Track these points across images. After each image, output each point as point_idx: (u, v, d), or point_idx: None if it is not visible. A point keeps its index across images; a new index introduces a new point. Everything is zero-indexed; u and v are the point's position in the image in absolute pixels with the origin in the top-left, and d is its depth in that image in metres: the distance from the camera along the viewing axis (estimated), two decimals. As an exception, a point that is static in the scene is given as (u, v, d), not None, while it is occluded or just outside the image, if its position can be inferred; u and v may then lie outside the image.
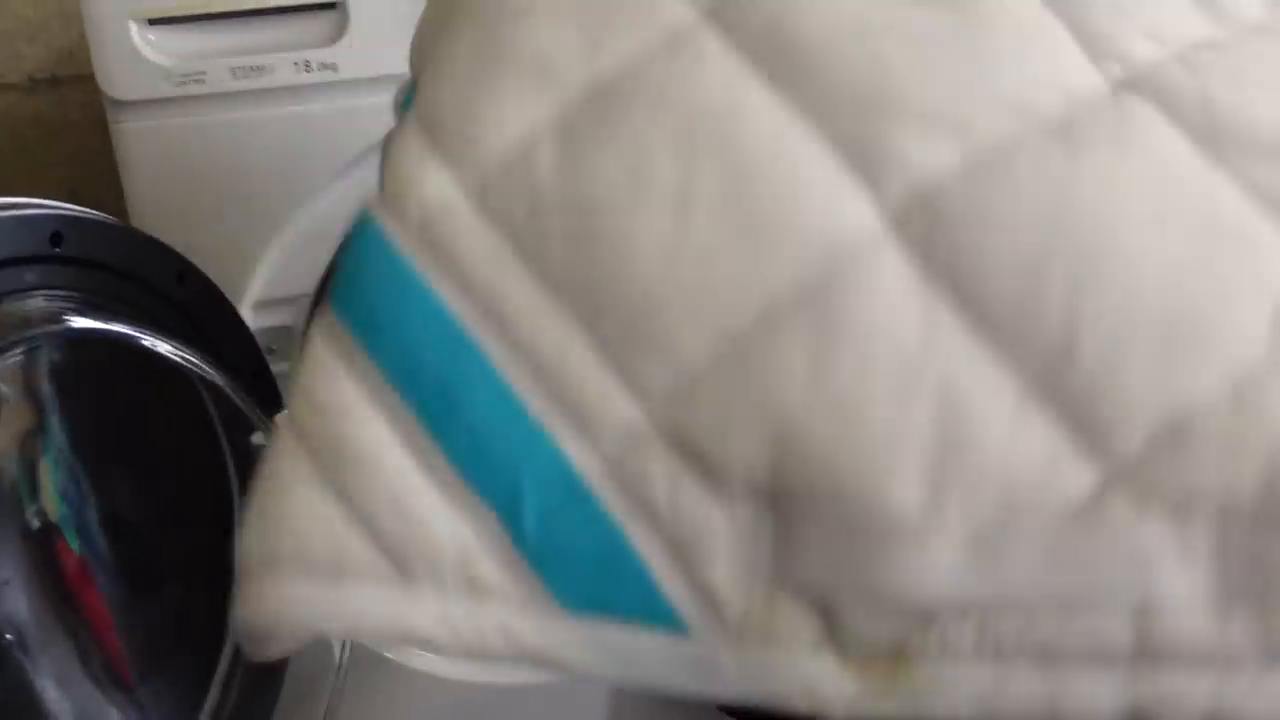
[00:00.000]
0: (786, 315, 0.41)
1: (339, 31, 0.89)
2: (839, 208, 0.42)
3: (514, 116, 0.45)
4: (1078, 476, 0.39)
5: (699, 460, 0.39)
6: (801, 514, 0.39)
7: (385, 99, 0.95)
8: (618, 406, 0.40)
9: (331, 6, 0.88)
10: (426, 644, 0.40)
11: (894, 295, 0.41)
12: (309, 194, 0.93)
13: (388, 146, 0.52)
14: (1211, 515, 0.38)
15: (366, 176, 0.93)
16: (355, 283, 0.45)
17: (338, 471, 0.41)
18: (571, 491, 0.39)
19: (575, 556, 0.39)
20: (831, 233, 0.42)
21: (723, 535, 0.39)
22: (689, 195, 0.42)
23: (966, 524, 0.39)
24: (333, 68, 0.89)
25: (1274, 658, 0.37)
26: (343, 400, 0.42)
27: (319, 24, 0.89)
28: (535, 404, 0.41)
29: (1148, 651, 0.38)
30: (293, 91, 0.89)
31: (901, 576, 0.38)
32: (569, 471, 0.40)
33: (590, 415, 0.40)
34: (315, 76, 0.89)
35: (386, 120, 0.93)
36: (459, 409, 0.41)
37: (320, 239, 0.94)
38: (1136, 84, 0.44)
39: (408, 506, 0.40)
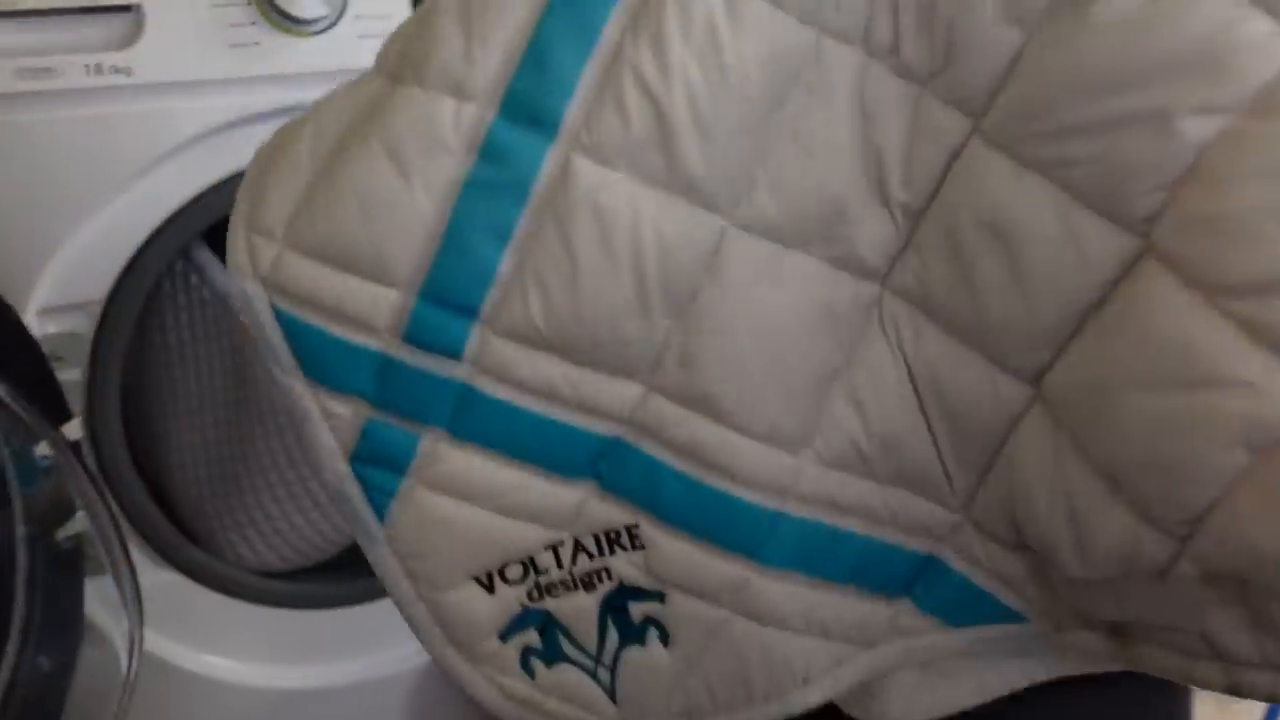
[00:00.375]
0: None
1: (134, 35, 0.88)
2: None
3: None
4: None
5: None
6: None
7: (182, 104, 0.95)
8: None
9: (126, 9, 0.87)
10: None
11: None
12: (100, 200, 0.92)
13: None
14: None
15: (160, 183, 0.93)
16: None
17: None
18: (945, 572, 0.58)
19: (959, 604, 0.58)
20: None
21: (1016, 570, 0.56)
22: None
23: None
24: (126, 71, 0.88)
25: None
26: None
27: (113, 26, 0.88)
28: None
29: None
30: (83, 95, 0.88)
31: None
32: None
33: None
34: (107, 80, 0.88)
35: (183, 126, 0.93)
36: None
37: (111, 245, 0.93)
38: None
39: None
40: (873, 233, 0.52)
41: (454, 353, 0.52)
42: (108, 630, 0.96)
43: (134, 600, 0.93)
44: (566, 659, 0.58)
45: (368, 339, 0.52)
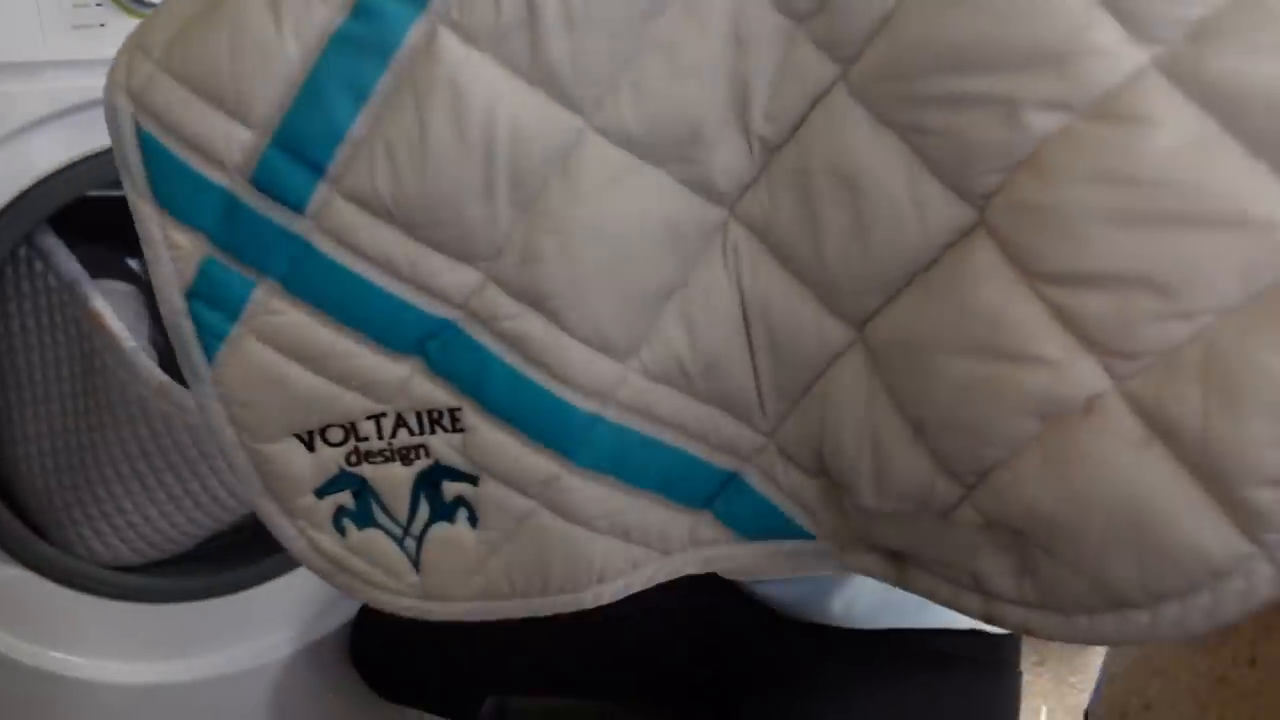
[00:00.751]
0: None
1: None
2: None
3: None
4: None
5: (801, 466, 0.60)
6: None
7: (23, 86, 0.92)
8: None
9: (-44, -13, 0.84)
10: None
11: None
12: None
13: None
14: None
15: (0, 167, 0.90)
16: None
17: None
18: (746, 490, 0.62)
19: (754, 520, 0.62)
20: None
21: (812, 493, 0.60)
22: None
23: None
24: (-42, 52, 0.85)
25: None
26: None
27: (-54, 4, 0.85)
28: None
29: None
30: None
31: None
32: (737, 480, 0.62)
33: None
34: (-59, 59, 0.85)
35: (24, 109, 0.90)
36: None
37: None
38: None
39: None
40: (727, 159, 0.54)
41: (297, 205, 0.54)
42: (-51, 629, 0.93)
43: (-22, 597, 0.90)
44: (376, 524, 0.62)
45: (218, 175, 0.53)
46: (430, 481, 0.60)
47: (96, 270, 1.05)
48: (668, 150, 0.54)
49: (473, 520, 0.61)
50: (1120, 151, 0.45)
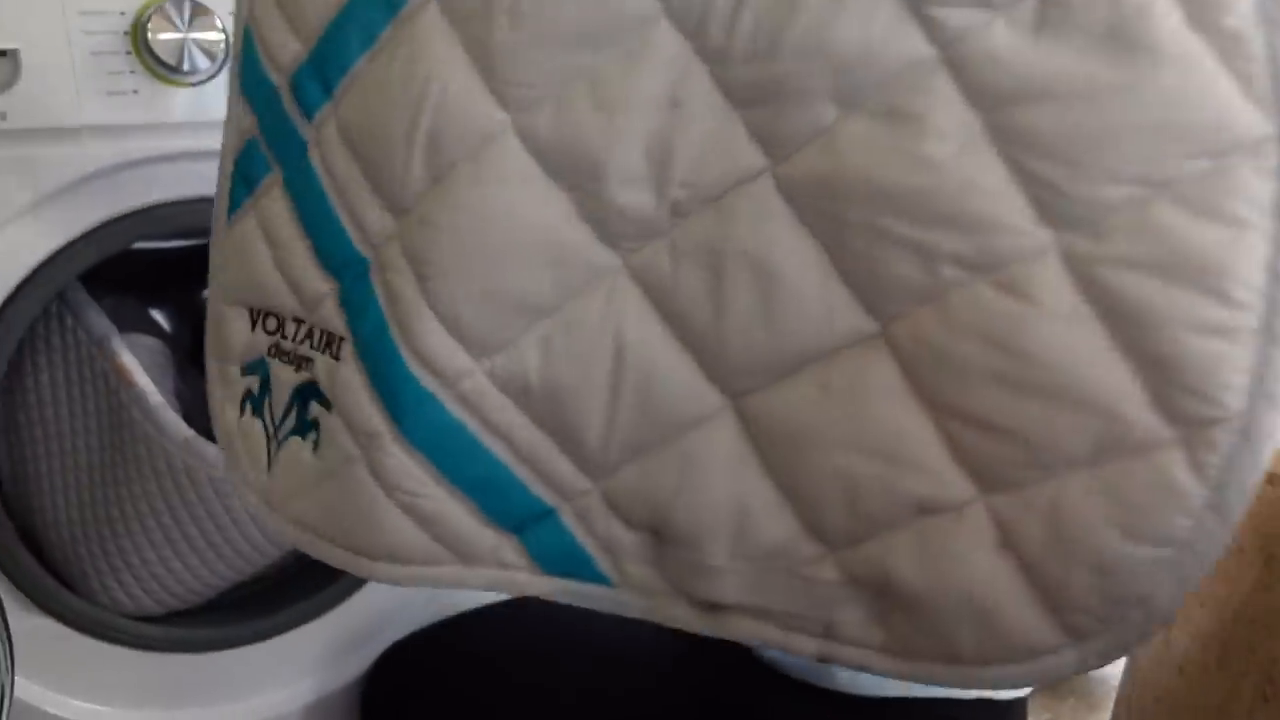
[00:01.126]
0: None
1: (10, 80, 0.88)
2: None
3: None
4: None
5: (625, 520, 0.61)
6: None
7: (59, 150, 0.95)
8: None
9: (1, 54, 0.88)
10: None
11: None
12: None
13: None
14: None
15: (36, 227, 0.93)
16: None
17: None
18: (559, 529, 0.62)
19: (559, 558, 0.63)
20: None
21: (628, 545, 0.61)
22: None
23: None
24: (1, 116, 0.88)
25: None
26: None
27: (-13, 71, 0.89)
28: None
29: None
30: (-46, 138, 0.88)
31: None
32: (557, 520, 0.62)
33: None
34: (-20, 124, 0.88)
35: (59, 171, 0.93)
36: None
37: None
38: None
39: None
40: (628, 208, 0.55)
41: (308, 114, 0.62)
42: (-24, 677, 0.94)
43: (5, 646, 0.92)
44: (260, 416, 0.68)
45: (273, 72, 0.63)
46: (303, 396, 0.64)
47: (122, 322, 1.08)
48: (570, 177, 0.56)
49: (316, 446, 0.63)
50: (1009, 321, 0.50)
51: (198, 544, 1.11)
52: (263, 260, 0.65)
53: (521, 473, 0.60)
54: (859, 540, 0.55)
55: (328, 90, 0.61)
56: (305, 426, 0.64)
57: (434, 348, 0.58)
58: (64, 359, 1.06)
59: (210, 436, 1.04)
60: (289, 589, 1.23)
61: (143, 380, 1.03)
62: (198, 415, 1.14)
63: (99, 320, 1.05)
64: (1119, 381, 0.49)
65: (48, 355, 1.06)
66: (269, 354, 0.66)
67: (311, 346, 0.64)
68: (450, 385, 0.59)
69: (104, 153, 0.94)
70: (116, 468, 1.08)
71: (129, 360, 1.04)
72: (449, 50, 0.56)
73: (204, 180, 0.98)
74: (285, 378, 0.65)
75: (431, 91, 0.56)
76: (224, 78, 0.95)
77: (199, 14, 0.92)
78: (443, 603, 1.22)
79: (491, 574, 0.63)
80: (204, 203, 0.98)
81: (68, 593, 1.09)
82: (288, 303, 0.65)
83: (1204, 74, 0.47)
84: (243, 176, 0.66)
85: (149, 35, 0.91)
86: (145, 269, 1.20)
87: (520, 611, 1.07)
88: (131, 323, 1.17)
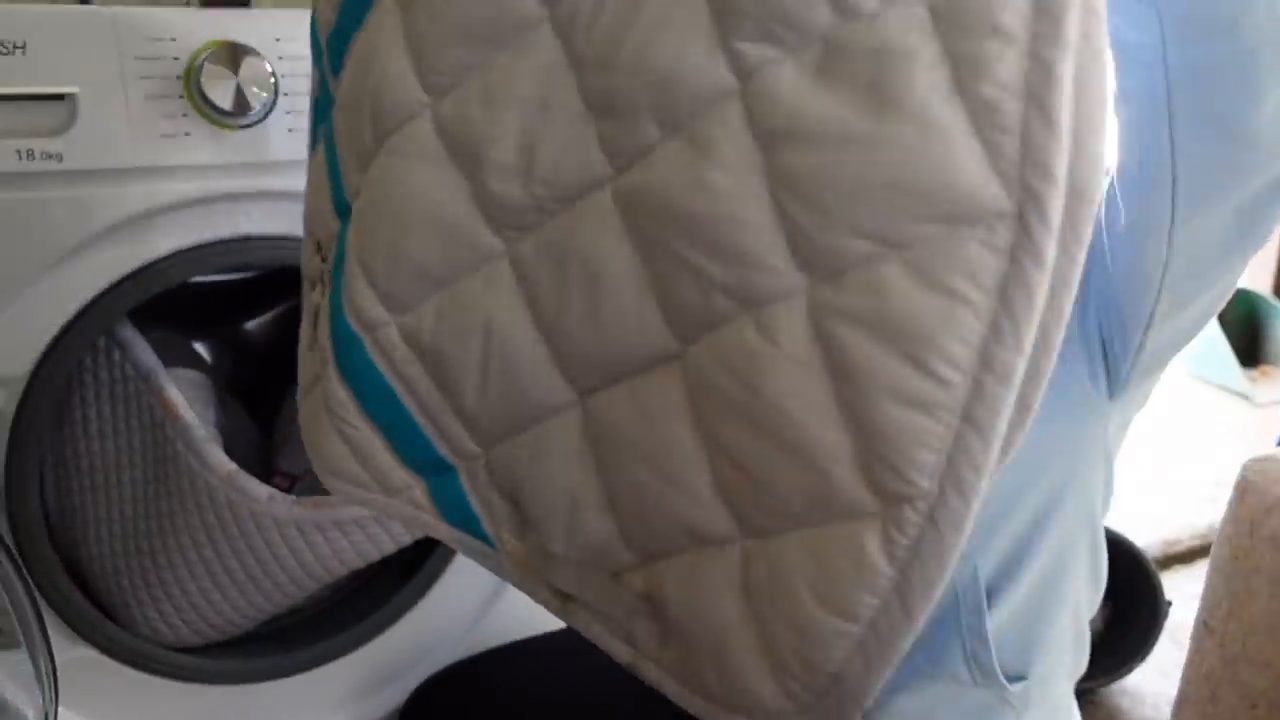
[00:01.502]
0: None
1: (67, 122, 0.91)
2: None
3: None
4: None
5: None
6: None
7: (112, 190, 0.97)
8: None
9: (60, 98, 0.91)
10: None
11: None
12: (25, 279, 0.94)
13: None
14: None
15: (87, 264, 0.95)
16: None
17: None
18: (456, 484, 0.67)
19: (455, 510, 0.68)
20: None
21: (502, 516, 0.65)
22: None
23: None
24: (57, 157, 0.91)
25: None
26: None
27: (46, 113, 0.91)
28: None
29: None
30: (14, 178, 0.91)
31: None
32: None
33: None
34: (38, 165, 0.91)
35: (112, 211, 0.96)
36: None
37: (34, 324, 0.95)
38: None
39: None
40: (504, 197, 0.59)
41: (334, 73, 0.68)
42: (20, 707, 0.95)
43: (49, 676, 0.93)
44: (309, 324, 0.75)
45: (322, 33, 0.70)
46: (314, 311, 0.74)
47: (167, 357, 1.10)
48: (464, 163, 0.60)
49: (311, 348, 0.73)
50: (756, 361, 0.50)
51: (237, 577, 1.12)
52: (313, 194, 0.74)
53: (425, 426, 0.66)
54: (653, 557, 0.58)
55: (338, 56, 0.67)
56: (312, 343, 0.73)
57: (358, 295, 0.64)
58: (111, 394, 1.08)
59: (250, 470, 1.06)
60: (326, 622, 1.24)
61: (188, 414, 1.05)
62: (240, 448, 1.15)
63: (146, 355, 1.07)
64: (835, 441, 0.48)
65: (95, 390, 1.08)
66: (320, 279, 0.73)
67: (328, 271, 0.71)
68: (368, 331, 0.65)
69: (158, 192, 0.96)
70: (160, 500, 1.09)
71: (174, 395, 1.05)
72: (394, 34, 0.61)
73: (251, 220, 1.01)
74: (313, 297, 0.74)
75: (375, 70, 0.62)
76: (276, 119, 0.98)
77: (248, 56, 0.95)
78: (478, 637, 1.23)
79: (408, 510, 0.69)
80: (253, 241, 1.02)
81: (110, 623, 1.10)
82: (320, 234, 0.72)
83: (947, 138, 0.45)
84: (317, 112, 0.74)
85: (202, 79, 0.93)
86: (189, 301, 1.22)
87: (557, 645, 1.07)
88: (176, 356, 1.19)
